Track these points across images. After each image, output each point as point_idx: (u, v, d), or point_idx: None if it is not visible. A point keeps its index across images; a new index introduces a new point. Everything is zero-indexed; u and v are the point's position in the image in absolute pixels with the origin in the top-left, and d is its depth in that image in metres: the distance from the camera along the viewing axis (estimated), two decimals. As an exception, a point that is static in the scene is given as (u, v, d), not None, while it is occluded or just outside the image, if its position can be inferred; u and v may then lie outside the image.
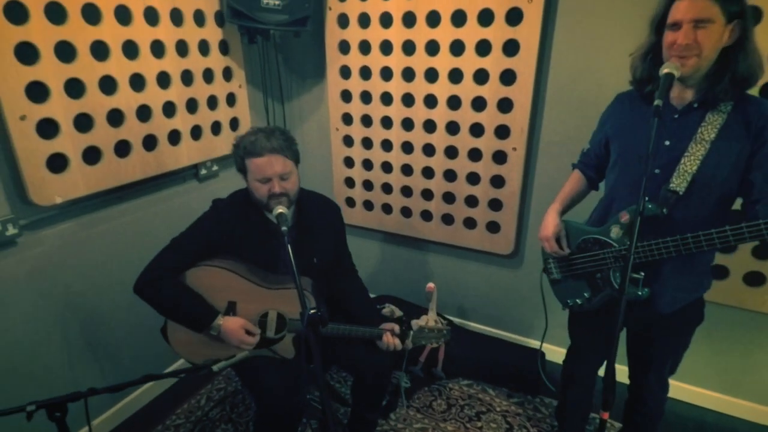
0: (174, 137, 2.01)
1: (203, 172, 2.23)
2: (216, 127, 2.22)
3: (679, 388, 2.10)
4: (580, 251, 1.43)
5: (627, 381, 1.60)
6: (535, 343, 2.41)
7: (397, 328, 1.50)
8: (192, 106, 2.06)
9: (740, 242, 1.07)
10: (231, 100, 2.28)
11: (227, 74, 2.22)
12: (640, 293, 1.26)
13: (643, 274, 1.26)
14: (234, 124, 2.33)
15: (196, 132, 2.11)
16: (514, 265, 2.38)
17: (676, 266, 1.26)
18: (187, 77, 2.01)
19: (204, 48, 2.06)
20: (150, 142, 1.91)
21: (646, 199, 1.23)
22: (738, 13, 1.10)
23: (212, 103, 2.17)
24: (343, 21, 2.27)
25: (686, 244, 1.15)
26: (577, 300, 1.46)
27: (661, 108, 1.05)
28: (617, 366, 1.09)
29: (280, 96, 2.59)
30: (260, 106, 2.53)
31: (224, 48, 2.17)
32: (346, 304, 1.69)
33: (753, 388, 2.01)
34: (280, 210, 1.30)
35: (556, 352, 2.28)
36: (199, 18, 2.00)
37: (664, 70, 1.11)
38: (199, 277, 1.48)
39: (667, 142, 1.22)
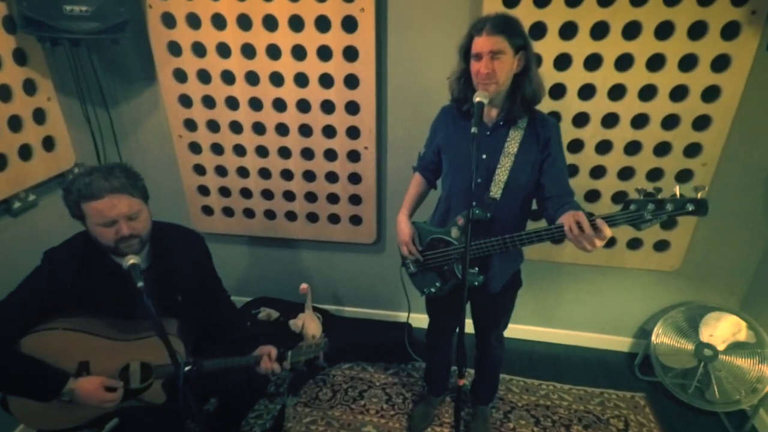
0: (-31, 173, 1.66)
1: (17, 205, 1.89)
2: (25, 152, 1.88)
3: (512, 329, 2.59)
4: (429, 249, 1.64)
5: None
6: (403, 316, 2.70)
7: (274, 352, 1.52)
8: (-13, 132, 1.71)
9: (542, 242, 1.37)
10: (40, 116, 1.94)
11: (30, 87, 1.87)
12: (476, 282, 1.53)
13: (477, 269, 1.53)
14: (48, 143, 2.00)
15: (-1, 161, 1.77)
16: (378, 250, 2.58)
17: (500, 255, 1.55)
18: (-27, 99, 1.65)
19: (-8, 61, 1.70)
20: (-65, 185, 1.55)
21: (474, 204, 1.48)
22: (522, 45, 1.36)
23: (15, 124, 1.82)
24: (168, 21, 2.07)
25: (505, 242, 1.42)
26: (432, 289, 1.69)
27: (477, 134, 1.26)
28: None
29: (103, 103, 2.28)
30: (79, 117, 2.20)
31: (21, 57, 1.81)
32: (221, 332, 1.66)
33: (563, 318, 2.59)
34: (132, 261, 1.19)
35: (422, 320, 2.59)
36: (-21, 26, 1.63)
37: (476, 98, 1.32)
38: (37, 345, 1.30)
39: (484, 156, 1.46)
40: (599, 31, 1.82)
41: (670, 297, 2.39)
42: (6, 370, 1.26)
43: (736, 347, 2.08)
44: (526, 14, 1.82)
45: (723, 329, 2.11)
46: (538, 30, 1.85)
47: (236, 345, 1.57)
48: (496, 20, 1.32)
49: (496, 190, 1.45)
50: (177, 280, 1.49)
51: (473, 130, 1.25)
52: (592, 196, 2.14)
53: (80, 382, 1.31)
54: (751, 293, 2.25)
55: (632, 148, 2.02)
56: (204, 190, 2.48)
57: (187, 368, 1.05)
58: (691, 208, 1.12)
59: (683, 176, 2.03)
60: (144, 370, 1.42)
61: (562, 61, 1.90)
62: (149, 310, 1.10)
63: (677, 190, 1.14)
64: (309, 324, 2.36)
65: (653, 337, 2.26)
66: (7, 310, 1.30)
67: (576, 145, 2.04)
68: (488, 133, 1.47)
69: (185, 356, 1.40)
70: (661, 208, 1.14)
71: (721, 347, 2.09)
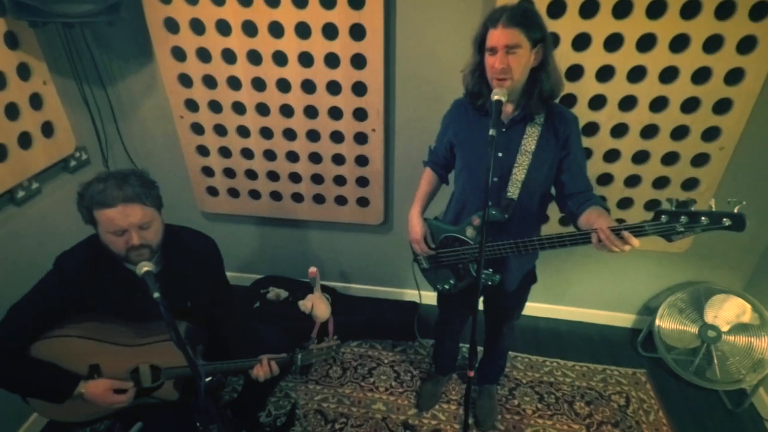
0: (-30, 167, 1.62)
1: (21, 194, 1.86)
2: (25, 140, 1.83)
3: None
4: (442, 246, 1.62)
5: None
6: (410, 293, 2.73)
7: (265, 360, 1.47)
8: (-16, 122, 1.66)
9: (564, 247, 1.33)
10: (36, 101, 1.87)
11: (24, 72, 1.79)
12: (493, 279, 1.52)
13: (491, 270, 1.52)
14: (47, 129, 1.94)
15: (-1, 152, 1.72)
16: (385, 230, 2.57)
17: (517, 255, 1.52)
18: (-34, 89, 1.58)
19: (-18, 47, 1.61)
20: (-64, 181, 1.52)
21: (491, 204, 1.44)
22: (540, 38, 1.28)
23: (12, 111, 1.76)
24: (164, -5, 1.95)
25: (525, 245, 1.40)
26: (445, 285, 1.69)
27: (495, 136, 1.21)
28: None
29: (100, 83, 2.19)
30: (77, 98, 2.12)
31: (12, 40, 1.72)
32: (225, 335, 1.63)
33: (568, 296, 2.62)
34: (146, 268, 1.18)
35: (430, 297, 2.62)
36: (-34, 11, 1.54)
37: (494, 97, 1.26)
38: (48, 350, 1.33)
39: (500, 154, 1.41)
40: (622, 10, 1.72)
41: (675, 276, 2.41)
42: (19, 374, 1.29)
43: (739, 328, 2.12)
44: (544, -9, 1.71)
45: (727, 311, 2.14)
46: (558, 7, 1.75)
47: (237, 349, 1.56)
48: (513, 12, 1.24)
49: (513, 190, 1.41)
50: (187, 286, 1.47)
51: (491, 132, 1.20)
52: (605, 179, 2.10)
53: (89, 385, 1.33)
54: (756, 276, 2.26)
55: (649, 131, 1.96)
56: (208, 171, 2.44)
57: (208, 379, 1.06)
58: (727, 223, 1.06)
59: (699, 160, 1.99)
60: (153, 371, 1.43)
61: (581, 42, 1.80)
62: (168, 321, 1.10)
63: (713, 203, 1.10)
64: (318, 305, 2.39)
65: (657, 319, 2.29)
66: (19, 316, 1.31)
67: (591, 129, 1.99)
68: (504, 129, 1.41)
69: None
70: (695, 221, 1.10)
71: (724, 328, 2.13)
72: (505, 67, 1.26)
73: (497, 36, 1.24)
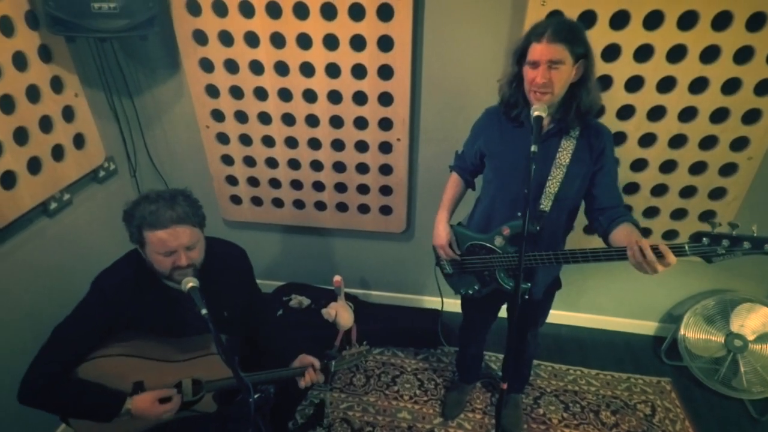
0: (8, 180, 1.64)
1: (53, 206, 1.88)
2: (58, 152, 1.85)
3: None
4: (468, 253, 1.63)
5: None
6: (430, 300, 2.74)
7: (317, 362, 1.52)
8: (21, 136, 1.67)
9: (598, 261, 1.33)
10: (68, 114, 1.89)
11: (57, 85, 1.81)
12: (522, 287, 1.53)
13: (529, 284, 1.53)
14: (79, 140, 1.96)
15: (34, 165, 1.74)
16: (407, 238, 2.58)
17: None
18: (6, 103, 1.60)
19: (20, 61, 1.63)
20: (-24, 195, 1.54)
21: (519, 215, 1.45)
22: (583, 54, 1.28)
23: (46, 124, 1.78)
24: (193, 7, 1.96)
25: (557, 258, 1.41)
26: (469, 291, 1.70)
27: (536, 152, 1.22)
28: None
29: (128, 94, 2.21)
30: (105, 109, 2.15)
31: (46, 54, 1.74)
32: (263, 344, 1.65)
33: (589, 303, 2.62)
34: (191, 284, 1.20)
35: (452, 304, 2.63)
36: (6, 26, 1.55)
37: (534, 112, 1.27)
38: (94, 370, 1.34)
39: (534, 166, 1.41)
40: (653, 21, 1.72)
41: (698, 284, 2.41)
42: (67, 397, 1.30)
43: (765, 337, 2.12)
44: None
45: (754, 320, 2.13)
46: (588, 18, 1.76)
47: (276, 356, 1.57)
48: (558, 27, 1.24)
49: (546, 203, 1.42)
50: (222, 297, 1.47)
51: (533, 148, 1.20)
52: (631, 188, 2.10)
53: (135, 400, 1.33)
54: (782, 283, 2.25)
55: (677, 141, 1.96)
56: (232, 180, 2.45)
57: (256, 396, 1.07)
58: None
59: (727, 170, 1.99)
60: (195, 385, 1.44)
61: (611, 52, 1.81)
62: (216, 337, 1.12)
63: (755, 228, 1.11)
64: (342, 313, 2.40)
65: (682, 328, 2.29)
66: (64, 339, 1.32)
67: (619, 138, 1.98)
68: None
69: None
70: (736, 245, 1.10)
71: (751, 338, 2.13)
72: (547, 82, 1.27)
73: (540, 50, 1.25)
